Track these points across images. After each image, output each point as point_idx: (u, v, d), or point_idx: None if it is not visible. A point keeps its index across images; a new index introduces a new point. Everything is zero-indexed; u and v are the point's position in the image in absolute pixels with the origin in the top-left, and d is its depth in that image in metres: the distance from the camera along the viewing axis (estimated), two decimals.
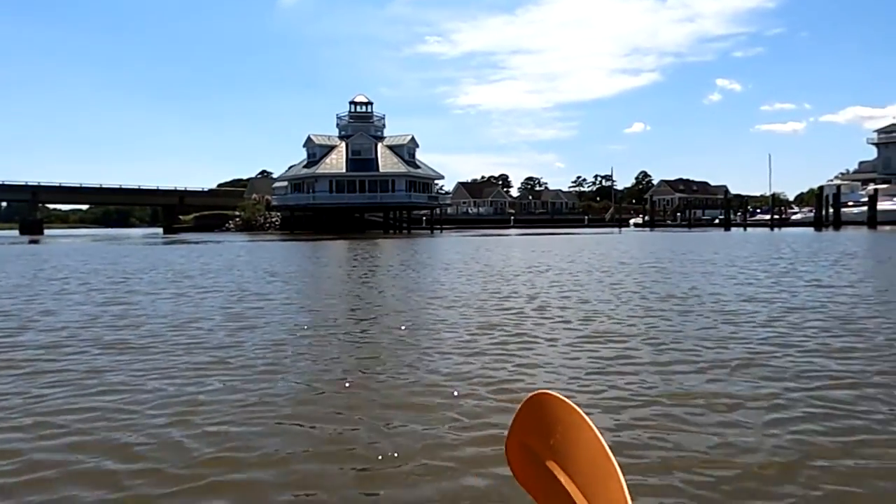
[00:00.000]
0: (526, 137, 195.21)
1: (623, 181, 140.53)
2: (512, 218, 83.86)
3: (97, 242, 40.28)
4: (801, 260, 15.93)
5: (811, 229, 51.91)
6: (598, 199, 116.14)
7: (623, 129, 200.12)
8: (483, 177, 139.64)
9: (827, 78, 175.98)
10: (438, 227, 63.53)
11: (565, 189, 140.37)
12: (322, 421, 3.54)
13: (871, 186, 66.45)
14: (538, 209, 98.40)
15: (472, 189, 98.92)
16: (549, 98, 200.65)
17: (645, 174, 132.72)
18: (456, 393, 3.99)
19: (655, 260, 16.99)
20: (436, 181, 66.58)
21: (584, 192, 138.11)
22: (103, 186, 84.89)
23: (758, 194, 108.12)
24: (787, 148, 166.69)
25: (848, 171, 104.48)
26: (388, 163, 58.78)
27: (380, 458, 2.99)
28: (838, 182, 66.96)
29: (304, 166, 60.44)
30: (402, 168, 58.27)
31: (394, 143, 60.95)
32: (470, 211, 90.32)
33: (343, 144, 59.92)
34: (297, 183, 61.38)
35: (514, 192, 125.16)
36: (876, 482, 2.69)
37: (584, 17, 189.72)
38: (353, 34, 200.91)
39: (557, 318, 6.92)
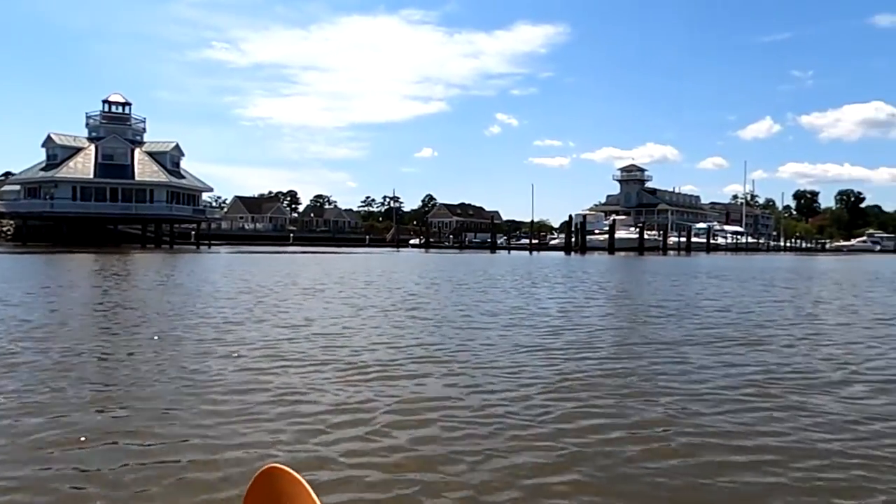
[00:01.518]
0: (318, 154, 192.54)
1: (411, 203, 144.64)
2: (291, 235, 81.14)
3: None
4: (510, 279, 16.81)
5: (563, 253, 57.47)
6: (381, 219, 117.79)
7: (413, 152, 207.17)
8: (270, 192, 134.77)
9: (588, 121, 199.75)
10: (207, 242, 58.98)
11: (355, 208, 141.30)
12: None
13: (613, 217, 75.87)
14: (320, 227, 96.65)
15: (251, 204, 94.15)
16: (341, 117, 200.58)
17: (431, 197, 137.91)
18: None
19: (403, 275, 16.71)
20: (204, 193, 61.83)
21: (373, 211, 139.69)
22: None
23: (528, 220, 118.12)
24: (555, 180, 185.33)
25: (599, 202, 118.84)
26: (146, 171, 53.11)
27: None
28: (585, 212, 75.17)
29: (42, 169, 52.29)
30: (162, 177, 53.02)
31: (155, 149, 55.30)
32: (246, 227, 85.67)
33: (92, 147, 52.95)
34: (31, 187, 52.82)
35: (303, 209, 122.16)
36: None
37: (378, 41, 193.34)
38: (131, 30, 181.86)
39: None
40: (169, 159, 55.07)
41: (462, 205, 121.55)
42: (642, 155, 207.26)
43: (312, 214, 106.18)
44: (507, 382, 4.99)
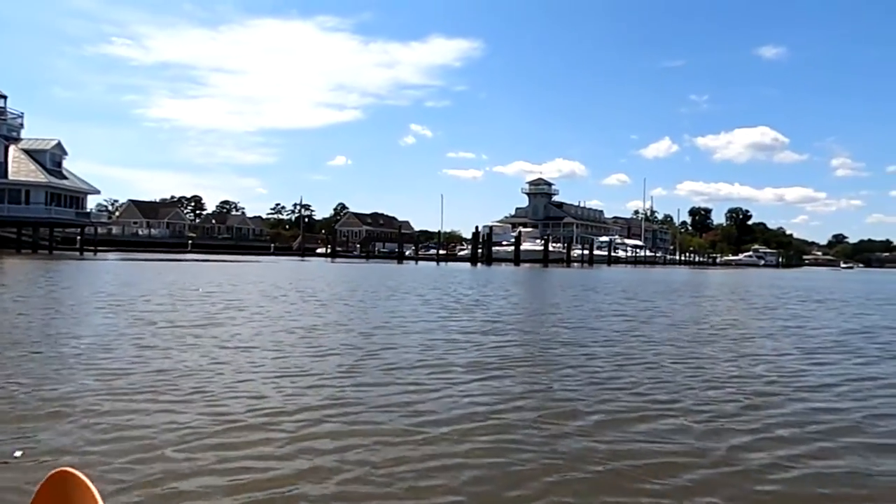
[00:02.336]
0: (226, 159, 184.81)
1: (323, 211, 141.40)
2: (190, 243, 77.29)
3: None
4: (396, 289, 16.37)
5: (469, 264, 57.76)
6: (287, 227, 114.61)
7: (327, 160, 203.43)
8: (173, 196, 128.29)
9: (500, 135, 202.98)
10: (92, 248, 55.01)
11: (265, 215, 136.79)
12: None
13: (519, 229, 77.21)
14: (223, 234, 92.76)
15: (147, 209, 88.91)
16: (252, 121, 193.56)
17: (343, 206, 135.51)
18: None
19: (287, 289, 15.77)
20: (90, 196, 57.70)
21: (282, 219, 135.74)
22: None
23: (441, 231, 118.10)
24: (468, 191, 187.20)
25: (510, 215, 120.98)
26: (21, 170, 48.87)
27: None
28: (493, 224, 76.09)
29: None
30: (41, 177, 48.93)
31: (33, 147, 50.99)
32: (141, 233, 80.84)
33: None
34: None
35: (205, 216, 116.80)
36: None
37: (291, 47, 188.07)
38: (21, 20, 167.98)
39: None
40: (49, 158, 50.93)
41: (374, 214, 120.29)
42: (552, 169, 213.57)
43: (214, 221, 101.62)
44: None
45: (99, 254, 52.93)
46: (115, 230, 79.96)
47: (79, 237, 56.56)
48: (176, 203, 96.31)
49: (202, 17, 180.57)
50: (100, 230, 77.75)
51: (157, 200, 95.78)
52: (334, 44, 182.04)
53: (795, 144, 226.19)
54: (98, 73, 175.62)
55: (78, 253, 51.55)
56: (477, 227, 64.96)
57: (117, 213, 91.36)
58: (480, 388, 5.41)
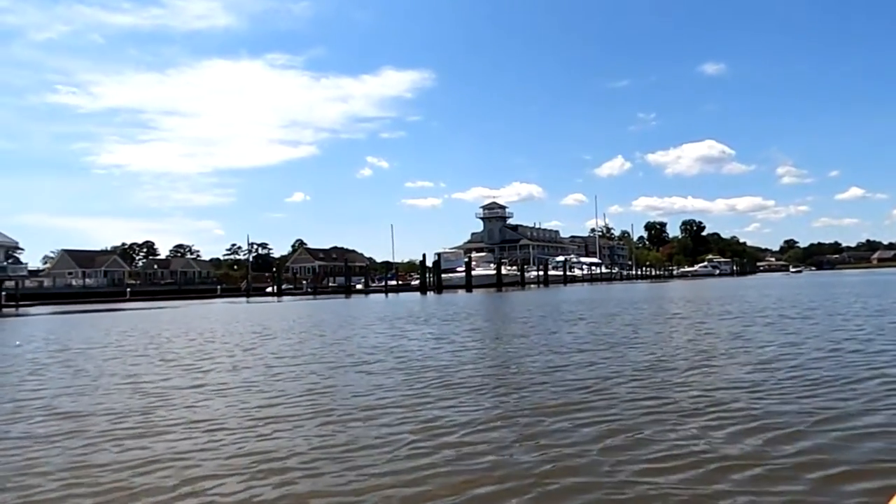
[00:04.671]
0: (181, 203, 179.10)
1: (282, 249, 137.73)
2: (128, 290, 73.34)
3: None
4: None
5: (419, 294, 55.69)
6: (235, 267, 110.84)
7: (284, 197, 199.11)
8: (124, 244, 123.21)
9: (457, 162, 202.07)
10: (14, 304, 51.23)
11: (222, 257, 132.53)
12: None
13: (470, 254, 75.56)
14: (166, 280, 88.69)
15: (82, 258, 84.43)
16: (205, 163, 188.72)
17: (302, 242, 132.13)
18: None
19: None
20: (14, 249, 54.03)
21: (240, 259, 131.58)
22: None
23: (402, 262, 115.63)
24: (429, 219, 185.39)
25: (466, 241, 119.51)
26: None
27: None
28: (442, 250, 74.29)
29: None
30: None
31: None
32: (75, 283, 76.49)
33: None
34: None
35: (144, 263, 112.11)
36: None
37: (241, 86, 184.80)
38: None
39: None
40: None
41: (334, 248, 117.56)
42: (511, 193, 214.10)
43: (157, 266, 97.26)
44: None
45: (23, 308, 49.31)
46: (46, 282, 75.59)
47: (5, 293, 52.75)
48: (112, 252, 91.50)
49: (148, 61, 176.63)
50: (29, 283, 73.59)
51: (95, 249, 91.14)
52: (285, 81, 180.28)
53: (741, 156, 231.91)
54: (43, 123, 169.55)
55: None
56: (424, 255, 62.98)
57: (48, 265, 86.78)
58: None
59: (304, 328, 18.46)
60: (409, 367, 9.12)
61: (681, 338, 11.79)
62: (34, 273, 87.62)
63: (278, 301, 57.98)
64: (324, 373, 8.95)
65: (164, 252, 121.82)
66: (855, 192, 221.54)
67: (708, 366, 8.21)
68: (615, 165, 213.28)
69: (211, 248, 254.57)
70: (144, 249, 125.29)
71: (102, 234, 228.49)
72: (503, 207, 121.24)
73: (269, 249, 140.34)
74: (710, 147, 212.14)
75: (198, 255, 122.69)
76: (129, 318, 29.36)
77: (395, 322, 19.46)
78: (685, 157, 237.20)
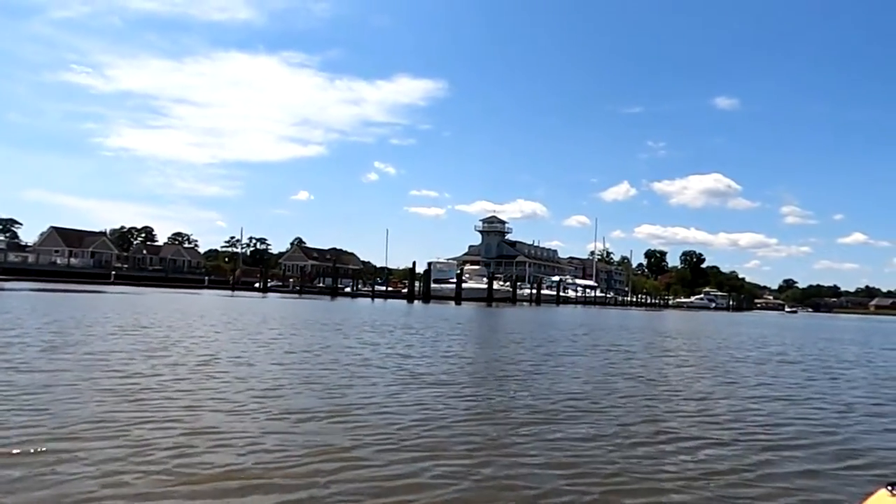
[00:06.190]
0: (186, 191, 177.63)
1: (281, 246, 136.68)
2: (113, 274, 72.02)
3: None
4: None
5: (406, 301, 54.38)
6: (228, 260, 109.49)
7: (289, 195, 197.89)
8: (123, 227, 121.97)
9: (464, 174, 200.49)
10: None
11: (221, 248, 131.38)
12: None
13: (463, 266, 74.21)
14: (154, 266, 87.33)
15: (71, 237, 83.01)
16: (214, 154, 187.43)
17: (301, 241, 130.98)
18: None
19: None
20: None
21: (235, 252, 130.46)
22: None
23: (401, 268, 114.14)
24: (431, 229, 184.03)
25: (463, 253, 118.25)
26: None
27: None
28: (435, 260, 72.97)
29: None
30: None
31: None
32: (59, 262, 75.13)
33: None
34: None
35: (135, 246, 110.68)
36: None
37: (256, 81, 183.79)
38: None
39: None
40: None
41: (331, 249, 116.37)
42: (514, 209, 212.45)
43: (146, 252, 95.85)
44: None
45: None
46: (30, 258, 74.35)
47: None
48: (101, 233, 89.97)
49: (166, 48, 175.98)
50: (12, 258, 72.37)
51: (86, 230, 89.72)
52: (300, 79, 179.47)
53: (747, 192, 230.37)
54: (56, 101, 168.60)
55: None
56: (414, 263, 61.54)
57: (35, 241, 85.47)
58: None
59: (244, 325, 17.16)
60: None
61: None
62: (22, 248, 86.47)
63: (263, 297, 56.75)
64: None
65: (162, 239, 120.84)
66: (858, 237, 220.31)
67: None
68: (621, 191, 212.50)
69: (210, 238, 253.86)
70: (143, 234, 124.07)
71: (104, 216, 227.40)
72: (503, 222, 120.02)
73: (268, 245, 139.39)
74: (717, 180, 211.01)
75: (196, 245, 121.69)
76: (91, 301, 28.04)
77: (356, 328, 18.18)
78: (691, 188, 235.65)
